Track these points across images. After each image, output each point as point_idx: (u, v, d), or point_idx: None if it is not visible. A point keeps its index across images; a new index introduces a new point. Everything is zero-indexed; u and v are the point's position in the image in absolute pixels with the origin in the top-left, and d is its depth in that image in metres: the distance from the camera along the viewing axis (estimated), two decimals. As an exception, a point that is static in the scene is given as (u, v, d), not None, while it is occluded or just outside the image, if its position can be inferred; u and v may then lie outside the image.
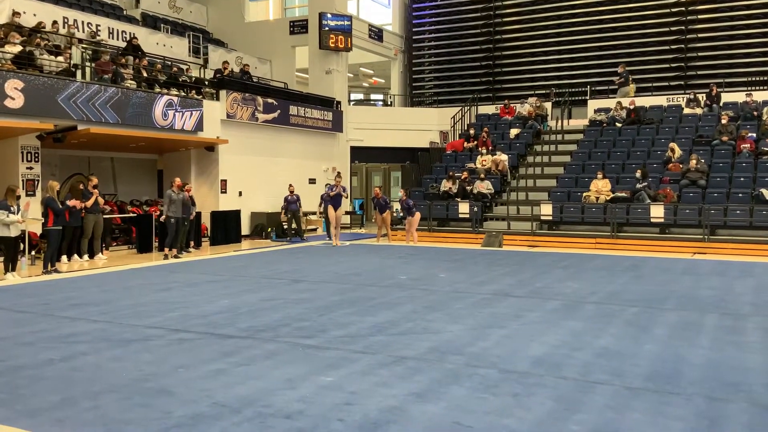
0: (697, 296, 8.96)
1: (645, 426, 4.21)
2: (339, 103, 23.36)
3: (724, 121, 18.99)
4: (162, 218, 14.60)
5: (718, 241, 15.75)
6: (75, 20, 18.55)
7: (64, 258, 13.25)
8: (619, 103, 21.75)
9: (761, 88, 21.63)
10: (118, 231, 16.71)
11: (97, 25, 19.22)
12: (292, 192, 18.61)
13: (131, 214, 16.69)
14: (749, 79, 22.31)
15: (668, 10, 24.06)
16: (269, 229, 19.06)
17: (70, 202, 12.66)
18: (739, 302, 8.58)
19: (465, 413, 4.42)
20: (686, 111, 21.21)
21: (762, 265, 12.63)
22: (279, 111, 20.37)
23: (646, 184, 17.05)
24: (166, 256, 14.01)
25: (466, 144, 22.23)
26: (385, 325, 7.08)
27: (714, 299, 8.72)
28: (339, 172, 19.96)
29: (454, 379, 5.18)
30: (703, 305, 8.28)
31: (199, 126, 17.65)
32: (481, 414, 4.42)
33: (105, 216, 14.56)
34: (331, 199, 16.82)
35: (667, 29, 24.09)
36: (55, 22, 17.47)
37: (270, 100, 20.10)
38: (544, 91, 24.50)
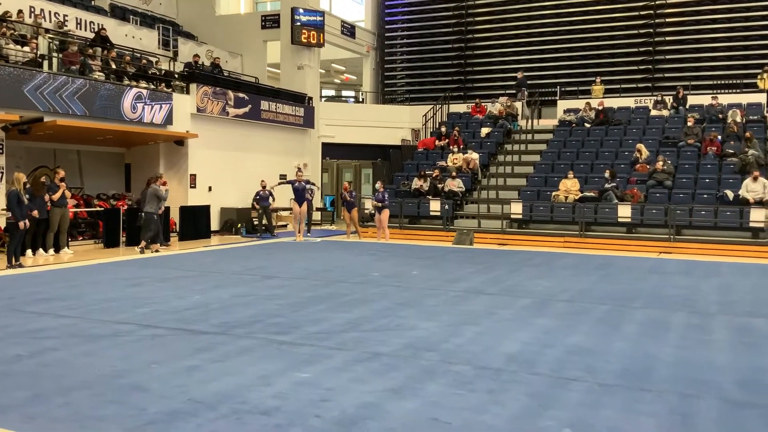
0: (664, 295, 9.12)
1: (618, 422, 4.28)
2: (311, 99, 23.27)
3: (690, 124, 19.36)
4: (160, 212, 14.58)
5: (683, 240, 16.06)
6: (42, 10, 18.18)
7: (28, 252, 12.99)
8: (587, 104, 22.04)
9: (727, 91, 22.09)
10: (84, 225, 16.42)
11: (65, 15, 18.85)
12: (264, 188, 18.50)
13: (98, 208, 16.42)
14: (715, 82, 22.77)
15: (637, 13, 24.43)
16: (239, 225, 18.90)
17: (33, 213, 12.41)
18: (706, 301, 8.76)
19: (441, 409, 4.44)
20: (653, 113, 21.58)
21: (726, 265, 12.91)
22: (250, 106, 20.21)
23: (614, 184, 17.30)
24: (142, 251, 13.94)
25: (437, 142, 22.32)
26: (359, 322, 7.07)
27: (681, 298, 8.88)
28: (300, 167, 19.68)
29: (429, 375, 5.19)
30: (670, 304, 8.43)
31: (168, 119, 17.43)
32: (458, 410, 4.44)
33: (71, 209, 14.36)
34: (295, 195, 16.97)
35: (635, 32, 24.46)
36: (20, 12, 17.05)
37: (241, 95, 19.93)
38: (514, 91, 24.68)
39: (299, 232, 17.13)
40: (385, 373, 5.25)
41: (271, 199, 18.46)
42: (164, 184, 14.94)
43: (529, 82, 25.09)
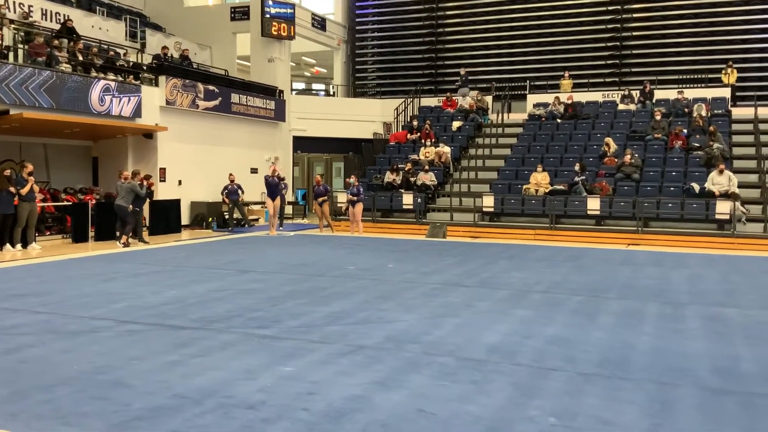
0: (636, 286, 9.28)
1: (601, 410, 4.36)
2: (281, 92, 23.10)
3: (657, 118, 19.68)
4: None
5: (651, 232, 16.36)
6: (6, 0, 17.71)
7: (-5, 247, 12.73)
8: (557, 98, 22.28)
9: (692, 85, 22.50)
10: (51, 220, 16.11)
11: (30, 6, 18.37)
12: (232, 181, 18.36)
13: (66, 203, 16.12)
14: (681, 77, 23.18)
15: (604, 8, 24.73)
16: (210, 219, 18.73)
17: None
18: (677, 291, 8.94)
19: (428, 400, 4.48)
20: (621, 107, 21.90)
21: (694, 256, 13.18)
22: (220, 98, 20.00)
23: (584, 177, 17.54)
24: (126, 244, 14.01)
25: (409, 136, 22.36)
26: (339, 315, 7.08)
27: (653, 289, 9.05)
28: (273, 162, 19.53)
29: (413, 367, 5.23)
30: (643, 294, 8.59)
31: (137, 112, 17.16)
32: (444, 401, 4.48)
33: (38, 204, 14.12)
34: (268, 189, 16.93)
35: (603, 27, 24.76)
36: (-17, 2, 16.66)
37: (211, 88, 19.71)
38: (485, 85, 24.83)
39: (273, 227, 17.08)
40: (370, 365, 5.27)
41: (240, 191, 18.35)
42: (145, 179, 14.89)
43: (498, 76, 25.29)
